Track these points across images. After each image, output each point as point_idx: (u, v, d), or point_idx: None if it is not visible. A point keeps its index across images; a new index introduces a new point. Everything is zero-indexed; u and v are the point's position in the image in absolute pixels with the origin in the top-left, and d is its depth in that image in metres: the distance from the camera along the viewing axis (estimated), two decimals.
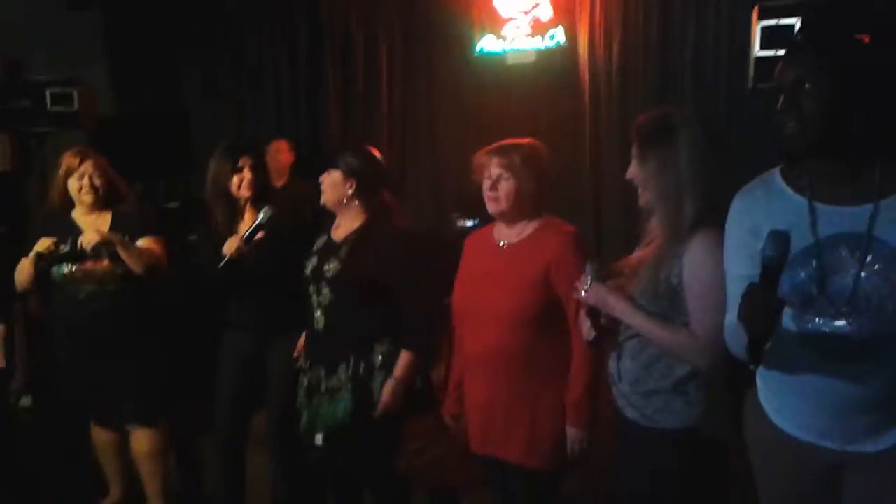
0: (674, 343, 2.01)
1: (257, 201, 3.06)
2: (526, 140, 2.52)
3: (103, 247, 3.17)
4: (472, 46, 5.62)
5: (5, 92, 4.25)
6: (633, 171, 2.10)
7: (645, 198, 2.09)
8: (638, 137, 2.08)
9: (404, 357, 2.69)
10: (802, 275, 1.69)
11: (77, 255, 3.18)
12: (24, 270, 3.18)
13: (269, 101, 5.62)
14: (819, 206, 1.69)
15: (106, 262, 3.15)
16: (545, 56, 5.47)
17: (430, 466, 3.68)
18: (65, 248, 3.15)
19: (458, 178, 5.38)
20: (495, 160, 2.46)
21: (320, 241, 2.87)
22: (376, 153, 2.87)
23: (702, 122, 2.04)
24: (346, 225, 2.81)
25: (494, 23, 5.50)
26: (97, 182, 3.19)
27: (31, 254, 3.13)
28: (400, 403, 2.68)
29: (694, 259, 1.97)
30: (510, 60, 5.59)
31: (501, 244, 2.54)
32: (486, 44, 5.59)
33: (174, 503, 3.44)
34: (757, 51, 3.07)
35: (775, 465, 1.90)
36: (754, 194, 1.83)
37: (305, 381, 2.80)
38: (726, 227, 1.84)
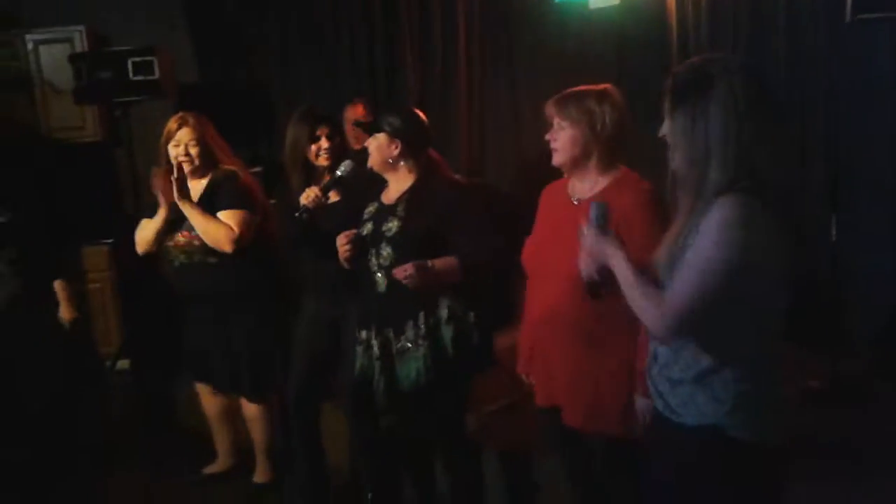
0: (640, 303, 1.83)
1: (335, 168, 3.05)
2: (597, 87, 2.40)
3: (182, 218, 3.22)
4: None
5: (90, 63, 4.32)
6: (665, 127, 1.84)
7: (674, 162, 1.83)
8: (670, 89, 1.82)
9: (450, 260, 2.64)
10: None
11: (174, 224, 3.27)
12: (148, 228, 3.30)
13: (346, 62, 5.55)
14: None
15: (184, 233, 3.21)
16: (630, 0, 5.22)
17: (503, 428, 3.65)
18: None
19: (539, 130, 5.23)
20: (553, 109, 2.39)
21: (371, 208, 2.86)
22: (418, 112, 2.83)
23: (747, 73, 1.76)
24: (396, 187, 2.81)
25: None
26: (192, 151, 3.25)
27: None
28: (420, 280, 2.59)
29: (708, 228, 1.71)
30: (593, 4, 5.35)
31: (574, 199, 2.45)
32: None
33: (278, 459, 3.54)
34: None
35: None
36: None
37: (376, 346, 2.78)
38: None
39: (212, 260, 3.23)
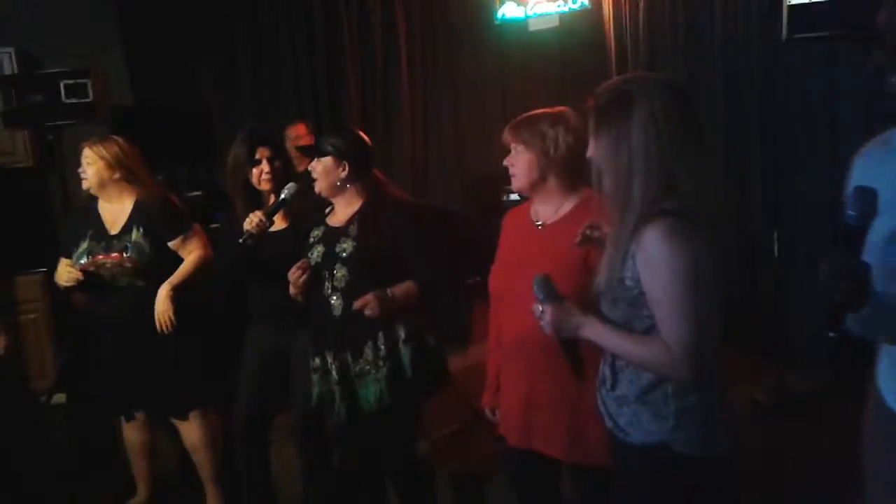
0: (650, 359, 1.75)
1: (279, 191, 2.98)
2: (552, 110, 2.39)
3: (115, 239, 3.12)
4: (493, 14, 5.45)
5: (20, 86, 4.18)
6: (590, 148, 1.81)
7: (604, 184, 1.79)
8: (594, 110, 1.79)
9: (409, 285, 2.63)
10: None
11: (93, 247, 3.15)
12: (62, 272, 3.17)
13: (288, 83, 5.51)
14: None
15: (115, 255, 3.11)
16: (569, 20, 5.30)
17: (456, 453, 3.61)
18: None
19: (482, 149, 5.29)
20: (509, 134, 2.36)
21: (317, 232, 2.80)
22: (359, 132, 2.80)
23: (667, 91, 1.73)
24: (343, 210, 2.76)
25: None
26: (89, 170, 3.15)
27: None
28: (379, 309, 2.57)
29: (648, 258, 1.70)
30: (532, 26, 5.42)
31: (538, 223, 2.42)
32: (508, 10, 5.42)
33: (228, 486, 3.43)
34: None
35: (887, 455, 1.68)
36: (871, 155, 1.64)
37: (335, 371, 2.72)
38: (847, 187, 1.58)
39: (140, 283, 3.14)
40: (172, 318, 3.13)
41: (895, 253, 1.50)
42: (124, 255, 3.10)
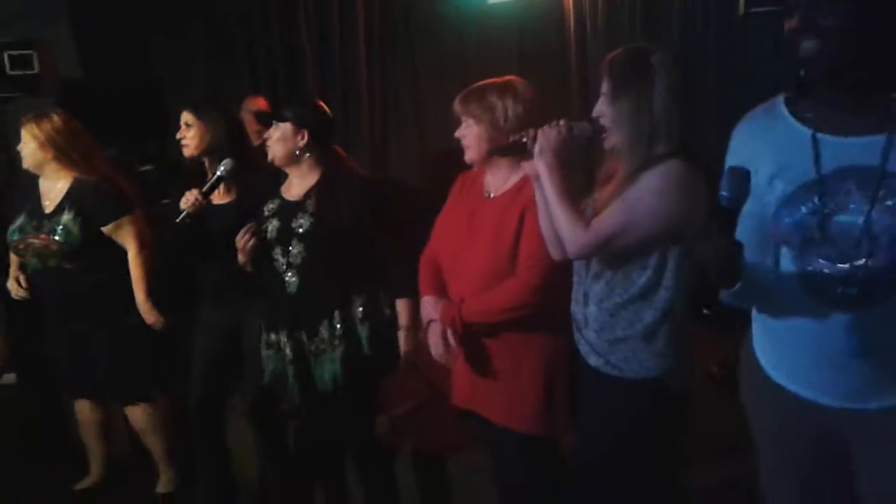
0: (564, 217, 1.96)
1: (215, 159, 2.90)
2: (499, 80, 2.36)
3: (46, 219, 3.03)
4: None
5: None
6: (602, 108, 2.00)
7: (613, 139, 1.98)
8: (611, 74, 1.98)
9: (404, 304, 2.62)
10: (803, 210, 1.55)
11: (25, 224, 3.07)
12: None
13: (243, 61, 5.41)
14: (824, 137, 1.55)
15: (42, 237, 3.02)
16: None
17: (414, 430, 3.58)
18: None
19: (443, 125, 5.21)
20: (458, 107, 2.34)
21: (272, 204, 2.71)
22: (321, 103, 2.73)
23: (680, 63, 1.96)
24: (300, 182, 2.68)
25: None
26: (24, 150, 3.06)
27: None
28: (416, 351, 2.59)
29: (649, 179, 1.90)
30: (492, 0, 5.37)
31: (488, 195, 2.40)
32: None
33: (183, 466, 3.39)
34: None
35: (772, 423, 1.80)
36: (755, 122, 1.70)
37: (288, 349, 2.68)
38: (726, 158, 1.72)
39: (68, 265, 3.05)
40: (163, 319, 3.09)
41: (788, 216, 1.56)
42: (51, 237, 3.00)
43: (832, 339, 1.58)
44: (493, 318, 2.28)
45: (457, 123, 2.39)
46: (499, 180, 2.38)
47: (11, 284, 3.21)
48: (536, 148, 2.02)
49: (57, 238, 2.98)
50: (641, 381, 2.02)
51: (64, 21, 4.87)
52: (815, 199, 1.54)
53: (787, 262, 1.62)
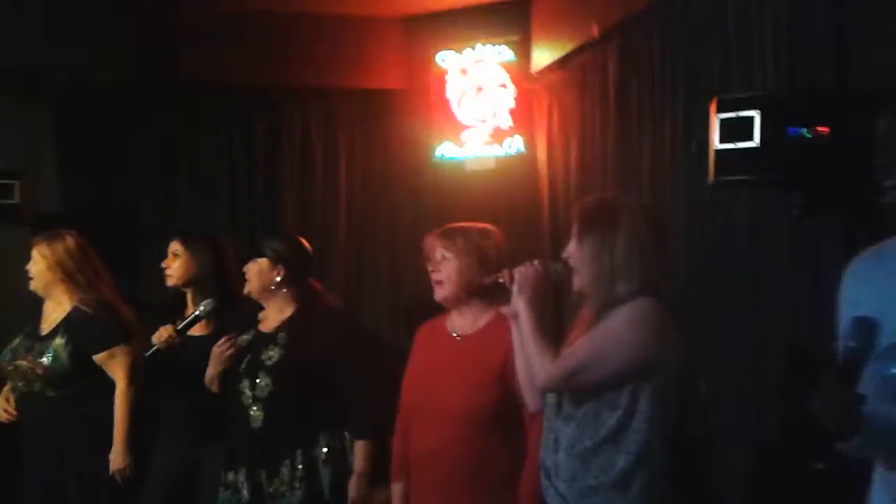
0: (537, 350, 1.98)
1: (198, 290, 2.90)
2: (478, 224, 2.43)
3: (38, 341, 2.97)
4: (432, 152, 5.60)
5: None
6: (571, 250, 2.06)
7: (578, 281, 2.05)
8: (578, 216, 2.07)
9: (361, 447, 2.55)
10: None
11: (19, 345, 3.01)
12: None
13: (224, 206, 5.49)
14: None
15: (29, 359, 2.94)
16: (504, 163, 5.46)
17: None
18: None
19: (417, 281, 5.30)
20: (438, 242, 2.38)
21: (247, 336, 2.71)
22: (302, 240, 2.79)
23: (646, 211, 2.06)
24: (274, 315, 2.70)
25: (454, 129, 5.48)
26: (32, 270, 3.04)
27: None
28: (367, 499, 2.48)
29: (618, 314, 1.93)
30: (469, 166, 5.58)
31: (455, 336, 2.40)
32: (446, 150, 5.57)
33: None
34: (717, 144, 3.02)
35: None
36: (864, 263, 1.65)
37: (246, 489, 2.56)
38: (840, 302, 1.64)
39: (51, 393, 2.95)
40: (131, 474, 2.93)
41: (892, 363, 1.49)
42: (38, 360, 2.93)
43: None
44: None
45: (425, 259, 2.43)
46: (466, 321, 2.40)
47: (0, 405, 3.06)
48: (515, 286, 2.06)
49: (43, 361, 2.90)
50: None
51: (51, 159, 4.95)
52: None
53: None
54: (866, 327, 1.42)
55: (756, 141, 2.97)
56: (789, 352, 3.12)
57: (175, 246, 3.01)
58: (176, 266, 2.99)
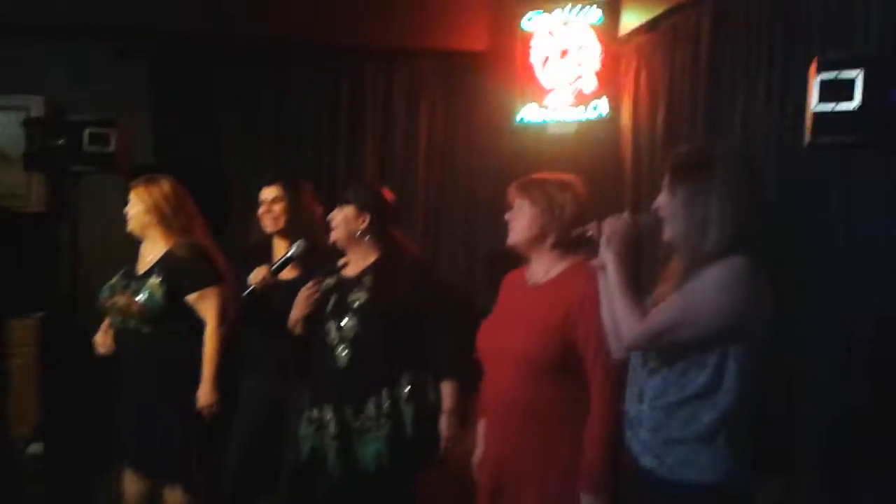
0: (624, 308, 1.95)
1: (290, 236, 2.97)
2: (561, 175, 2.42)
3: (135, 280, 3.09)
4: (514, 115, 5.57)
5: (44, 129, 4.22)
6: (662, 200, 2.01)
7: (669, 232, 1.99)
8: (671, 166, 2.01)
9: (449, 387, 2.61)
10: None
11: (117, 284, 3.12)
12: None
13: (308, 165, 5.56)
14: None
15: (127, 296, 3.05)
16: (587, 127, 5.40)
17: None
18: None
19: (493, 248, 5.31)
20: (515, 191, 2.39)
21: (330, 281, 2.77)
22: (386, 190, 2.82)
23: (743, 161, 1.99)
24: (357, 262, 2.76)
25: (537, 93, 5.43)
26: (131, 212, 3.15)
27: None
28: (459, 437, 2.53)
29: (711, 274, 1.88)
30: (551, 130, 5.52)
31: (531, 283, 2.42)
32: (528, 113, 5.52)
33: None
34: (815, 105, 2.94)
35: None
36: None
37: (333, 425, 2.64)
38: None
39: (146, 329, 3.06)
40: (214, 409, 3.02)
41: None
42: (134, 297, 3.05)
43: None
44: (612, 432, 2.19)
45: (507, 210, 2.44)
46: (541, 270, 2.40)
47: (99, 337, 3.20)
48: (604, 238, 2.03)
49: (139, 299, 3.02)
50: (700, 486, 1.93)
51: (145, 112, 5.10)
52: None
53: None
54: None
55: (856, 102, 2.88)
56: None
57: (274, 191, 3.08)
58: (278, 210, 3.06)
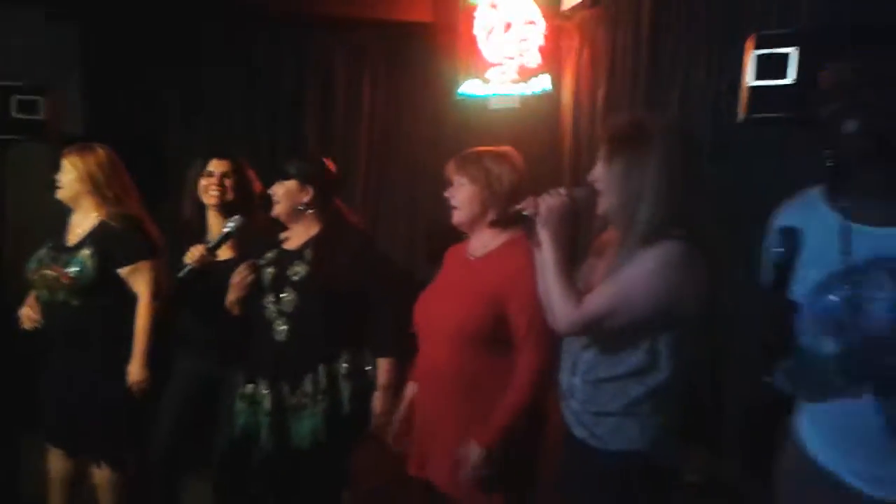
0: (557, 293, 1.92)
1: (229, 212, 2.91)
2: (496, 148, 2.42)
3: (65, 252, 2.99)
4: (455, 89, 5.54)
5: None
6: (598, 172, 1.98)
7: (604, 204, 1.97)
8: (608, 137, 1.97)
9: (386, 364, 2.59)
10: (834, 298, 1.57)
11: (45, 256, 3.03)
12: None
13: (245, 136, 5.46)
14: (858, 226, 1.59)
15: (56, 268, 2.96)
16: (529, 102, 5.40)
17: (373, 497, 3.45)
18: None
19: (434, 220, 5.31)
20: (453, 168, 2.39)
21: (270, 254, 2.72)
22: (328, 160, 2.78)
23: (681, 133, 1.95)
24: (300, 234, 2.72)
25: (479, 66, 5.41)
26: (63, 180, 3.05)
27: None
28: (391, 413, 2.52)
29: (644, 260, 1.87)
30: (493, 105, 5.52)
31: (470, 257, 2.42)
32: (470, 87, 5.50)
33: None
34: (752, 80, 2.97)
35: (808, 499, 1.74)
36: (792, 208, 1.75)
37: (267, 400, 2.60)
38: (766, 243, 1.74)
39: (75, 301, 2.98)
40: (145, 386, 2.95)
41: (821, 303, 1.58)
42: (64, 269, 2.95)
43: (868, 425, 1.58)
44: (525, 403, 2.24)
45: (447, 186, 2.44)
46: (480, 244, 2.41)
47: (25, 311, 3.10)
48: (540, 217, 2.00)
49: (69, 271, 2.92)
50: (627, 454, 1.98)
51: (76, 77, 4.92)
52: (845, 289, 1.56)
53: (825, 344, 1.60)
54: (792, 234, 1.55)
55: (791, 78, 2.92)
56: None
57: (226, 165, 3.00)
58: (228, 184, 2.99)
